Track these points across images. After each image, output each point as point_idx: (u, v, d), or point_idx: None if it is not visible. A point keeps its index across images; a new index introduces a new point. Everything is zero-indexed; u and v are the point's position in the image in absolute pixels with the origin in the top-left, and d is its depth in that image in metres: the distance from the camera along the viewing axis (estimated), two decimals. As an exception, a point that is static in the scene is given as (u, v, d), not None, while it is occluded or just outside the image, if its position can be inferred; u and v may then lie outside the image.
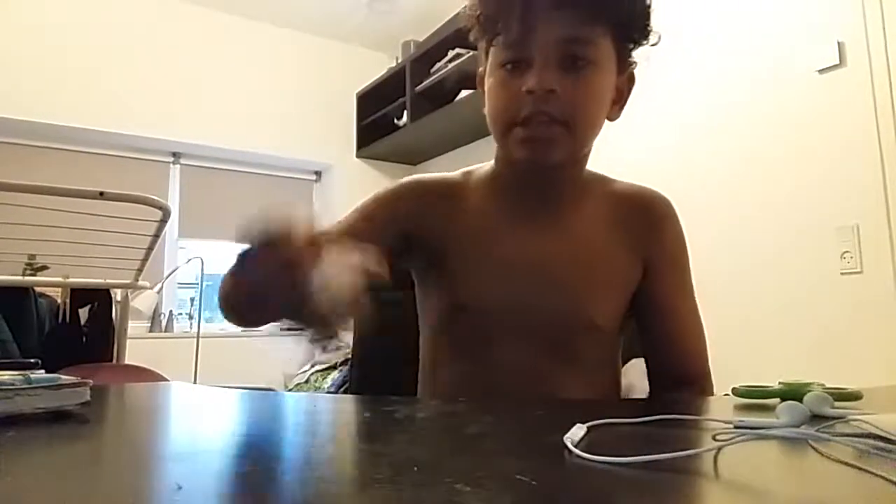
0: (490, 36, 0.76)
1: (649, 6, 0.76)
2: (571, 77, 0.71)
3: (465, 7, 0.78)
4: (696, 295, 0.84)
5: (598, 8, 0.71)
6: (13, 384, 0.48)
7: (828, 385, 0.54)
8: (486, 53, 0.78)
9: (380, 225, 0.81)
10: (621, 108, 0.80)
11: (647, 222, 0.82)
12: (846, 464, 0.32)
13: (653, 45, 0.77)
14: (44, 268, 2.07)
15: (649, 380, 0.83)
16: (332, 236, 0.55)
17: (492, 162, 0.85)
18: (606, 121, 0.78)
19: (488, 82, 0.77)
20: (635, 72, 0.80)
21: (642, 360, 0.85)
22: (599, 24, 0.72)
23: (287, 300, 0.50)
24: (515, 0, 0.71)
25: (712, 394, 0.81)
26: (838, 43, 2.08)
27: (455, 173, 0.87)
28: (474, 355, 0.79)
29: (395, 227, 0.81)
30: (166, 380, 1.73)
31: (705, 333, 0.84)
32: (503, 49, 0.74)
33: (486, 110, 0.77)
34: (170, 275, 3.49)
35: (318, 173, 4.35)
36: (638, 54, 0.79)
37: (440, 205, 0.82)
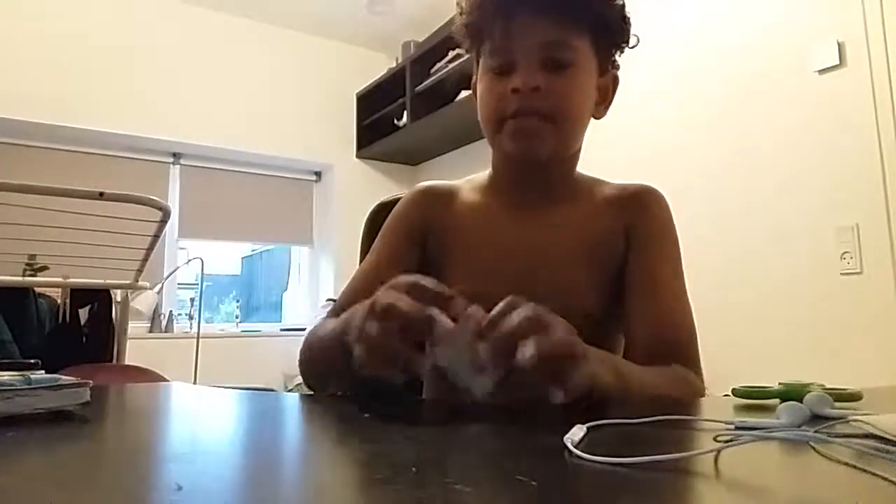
0: (478, 44, 0.83)
1: (625, 12, 0.81)
2: (554, 76, 0.77)
3: (455, 17, 0.84)
4: (686, 285, 0.81)
5: (575, 14, 0.77)
6: (13, 384, 0.48)
7: (828, 385, 0.54)
8: (477, 62, 0.84)
9: (406, 251, 0.86)
10: (607, 107, 0.85)
11: (631, 202, 0.85)
12: (847, 464, 0.32)
13: (632, 48, 0.83)
14: (44, 268, 2.07)
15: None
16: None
17: (489, 170, 0.90)
18: (594, 119, 0.84)
19: (479, 87, 0.83)
20: (619, 74, 0.85)
21: None
22: (577, 29, 0.78)
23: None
24: (498, 10, 0.78)
25: (702, 382, 0.76)
26: (838, 43, 2.08)
27: (457, 181, 0.93)
28: None
29: (412, 244, 0.87)
30: (166, 380, 1.73)
31: (692, 316, 0.80)
32: (489, 56, 0.80)
33: (479, 113, 0.83)
34: (170, 275, 3.49)
35: (318, 173, 4.35)
36: (622, 58, 0.85)
37: (439, 204, 0.88)
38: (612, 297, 0.81)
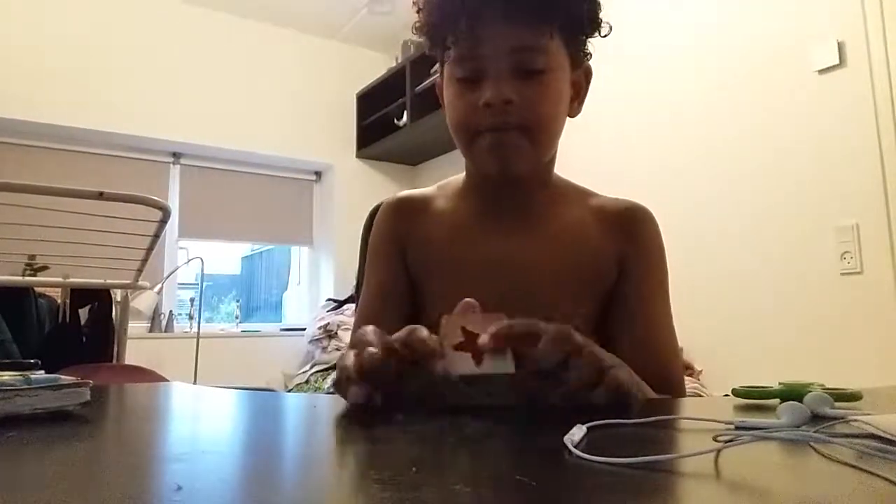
0: (441, 47, 0.76)
1: (597, 3, 0.75)
2: (527, 85, 0.72)
3: (415, 22, 0.77)
4: (671, 311, 0.82)
5: (546, 14, 0.71)
6: (13, 384, 0.48)
7: (828, 385, 0.54)
8: (442, 63, 0.79)
9: (395, 276, 0.84)
10: (580, 103, 0.81)
11: (625, 226, 0.81)
12: (847, 464, 0.32)
13: (604, 37, 0.77)
14: (44, 268, 2.07)
15: None
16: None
17: (464, 175, 0.87)
18: (568, 118, 0.79)
19: (446, 95, 0.78)
20: (591, 64, 0.80)
21: None
22: (549, 29, 0.71)
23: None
24: (462, 14, 0.71)
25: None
26: (838, 43, 2.09)
27: (429, 187, 0.89)
28: None
29: (398, 263, 0.84)
30: (166, 380, 1.73)
31: (678, 346, 0.81)
32: (455, 63, 0.74)
33: (448, 123, 0.78)
34: (170, 275, 3.49)
35: (318, 173, 4.35)
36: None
37: (413, 215, 0.85)
38: (597, 319, 0.80)
